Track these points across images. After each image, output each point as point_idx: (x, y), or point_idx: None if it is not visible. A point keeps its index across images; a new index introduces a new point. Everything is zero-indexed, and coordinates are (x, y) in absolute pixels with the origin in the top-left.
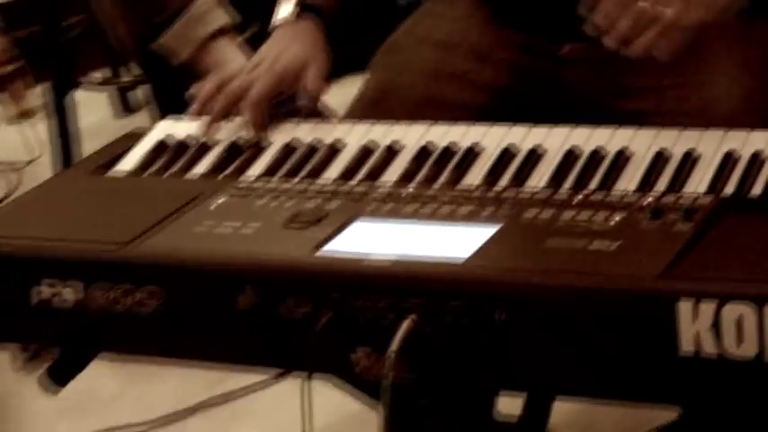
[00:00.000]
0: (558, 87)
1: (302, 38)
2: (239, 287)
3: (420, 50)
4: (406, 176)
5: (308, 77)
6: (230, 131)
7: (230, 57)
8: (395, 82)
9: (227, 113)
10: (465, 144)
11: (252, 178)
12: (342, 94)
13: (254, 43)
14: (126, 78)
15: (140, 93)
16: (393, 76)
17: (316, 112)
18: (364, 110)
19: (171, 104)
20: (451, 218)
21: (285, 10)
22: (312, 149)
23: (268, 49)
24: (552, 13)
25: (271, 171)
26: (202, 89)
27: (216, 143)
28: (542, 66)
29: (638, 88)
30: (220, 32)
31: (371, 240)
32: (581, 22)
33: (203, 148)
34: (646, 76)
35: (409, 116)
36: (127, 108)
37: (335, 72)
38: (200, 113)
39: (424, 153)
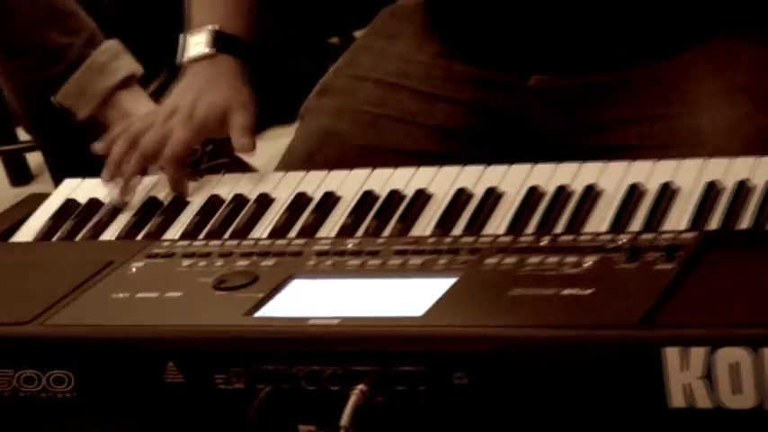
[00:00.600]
0: (524, 126)
1: (221, 79)
2: (162, 363)
3: (358, 91)
4: (347, 229)
5: (233, 130)
6: (144, 189)
7: (142, 110)
8: (331, 129)
9: (141, 172)
10: (411, 190)
11: (172, 240)
12: (266, 148)
13: (161, 96)
14: (22, 141)
15: (40, 157)
16: (328, 122)
17: (240, 167)
18: (296, 164)
19: (67, 171)
20: (402, 271)
21: (197, 43)
22: (238, 205)
23: (182, 92)
24: (517, 40)
25: (193, 231)
26: (114, 149)
27: (128, 203)
28: (504, 102)
29: (618, 121)
30: (126, 83)
31: (312, 301)
32: (550, 48)
33: (115, 210)
34: (626, 107)
35: (349, 168)
36: (24, 175)
37: (257, 125)
38: (113, 177)
39: (365, 203)
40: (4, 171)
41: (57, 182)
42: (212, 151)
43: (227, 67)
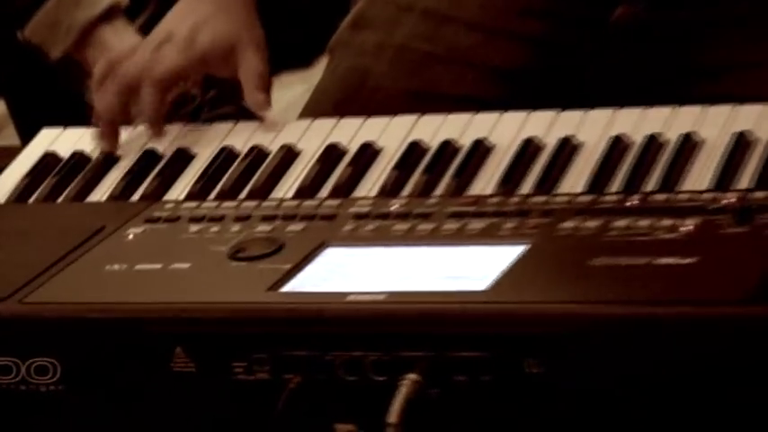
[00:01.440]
0: (601, 71)
1: (231, 7)
2: (168, 349)
3: (402, 24)
4: (390, 187)
5: (245, 76)
6: (139, 139)
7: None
8: (367, 70)
9: (124, 111)
10: (468, 140)
11: (176, 201)
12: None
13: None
14: None
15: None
16: (364, 61)
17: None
18: (324, 112)
19: (35, 122)
20: (460, 238)
21: None
22: (255, 159)
23: (181, 16)
24: None
25: (201, 190)
26: (93, 81)
27: (122, 156)
28: (578, 39)
29: (720, 67)
30: (109, 15)
31: (350, 273)
32: None
33: (106, 163)
34: (732, 49)
35: (396, 113)
36: None
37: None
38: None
39: (411, 155)
40: None
41: (23, 136)
42: (215, 98)
43: None
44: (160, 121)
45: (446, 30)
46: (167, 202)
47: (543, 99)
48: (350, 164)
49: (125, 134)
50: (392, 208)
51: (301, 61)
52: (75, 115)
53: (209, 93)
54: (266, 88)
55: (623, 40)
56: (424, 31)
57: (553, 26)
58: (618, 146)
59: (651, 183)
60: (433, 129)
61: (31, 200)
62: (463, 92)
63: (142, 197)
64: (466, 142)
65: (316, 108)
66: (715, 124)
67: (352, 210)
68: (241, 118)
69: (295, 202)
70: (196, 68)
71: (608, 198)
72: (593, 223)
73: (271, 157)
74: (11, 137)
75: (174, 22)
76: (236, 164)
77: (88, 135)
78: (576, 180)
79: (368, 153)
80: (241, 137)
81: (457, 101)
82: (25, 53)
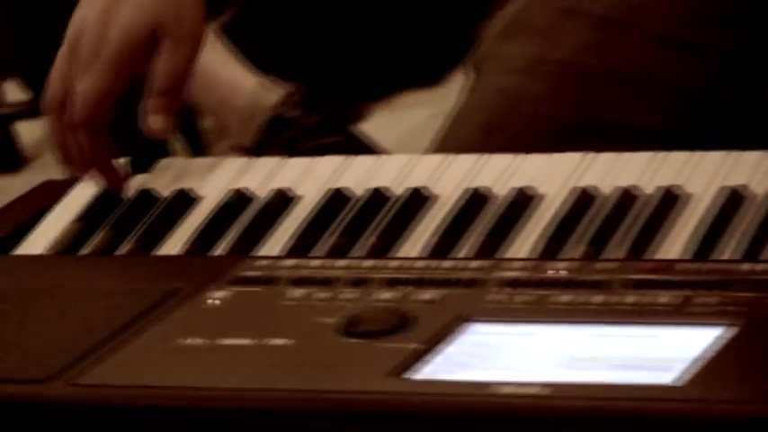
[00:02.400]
0: None
1: None
2: None
3: (566, 33)
4: (549, 246)
5: (154, 68)
6: (226, 175)
7: None
8: (520, 91)
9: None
10: (652, 187)
11: (272, 257)
12: (396, 123)
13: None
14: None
15: (27, 133)
16: (516, 80)
17: (360, 149)
18: (465, 143)
19: None
20: (641, 314)
21: None
22: (375, 205)
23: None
24: None
25: (306, 244)
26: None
27: (201, 196)
28: None
29: None
30: None
31: (497, 357)
32: None
33: (181, 206)
34: None
35: (553, 146)
36: (11, 157)
37: (380, 88)
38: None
39: (578, 205)
40: None
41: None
42: (318, 124)
43: None
44: (112, 175)
45: (622, 41)
46: (260, 258)
47: (739, 132)
48: (498, 214)
49: (203, 168)
50: (552, 273)
51: (427, 79)
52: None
53: (310, 117)
54: (171, 107)
55: None
56: (594, 42)
57: (758, 41)
58: None
59: None
60: (606, 171)
61: (84, 251)
62: (640, 121)
63: (228, 251)
64: (650, 190)
65: (453, 140)
66: None
67: (501, 274)
68: (351, 149)
69: (426, 263)
70: (116, 85)
71: None
72: None
73: (394, 202)
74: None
75: (83, 11)
76: (348, 210)
77: (159, 167)
78: None
79: (521, 201)
80: (355, 175)
81: (633, 132)
82: None
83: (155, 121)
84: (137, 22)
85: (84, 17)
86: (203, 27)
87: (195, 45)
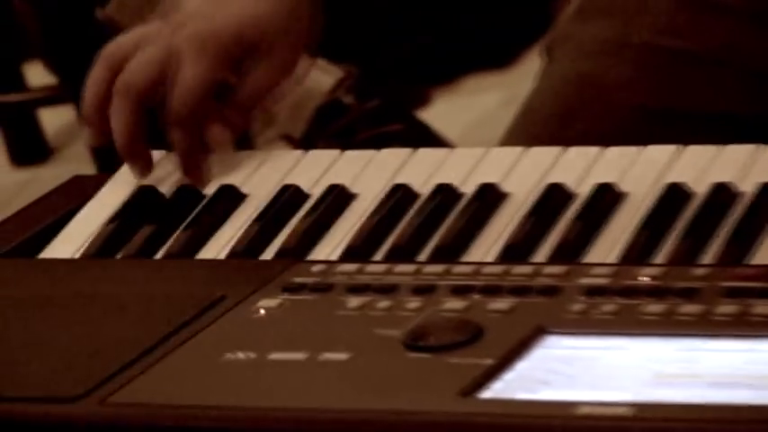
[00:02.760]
0: None
1: None
2: None
3: (647, 13)
4: (638, 251)
5: (242, 85)
6: (275, 169)
7: None
8: (599, 77)
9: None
10: (749, 185)
11: (327, 261)
12: (460, 110)
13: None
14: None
15: (52, 121)
16: (595, 64)
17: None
18: (538, 133)
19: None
20: (740, 326)
21: None
22: (443, 204)
23: None
24: None
25: (366, 246)
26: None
27: (249, 193)
28: None
29: None
30: None
31: (580, 374)
32: None
33: (227, 203)
34: None
35: (635, 136)
36: (35, 148)
37: (443, 71)
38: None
39: (668, 205)
40: (3, 139)
41: (101, 161)
42: (377, 110)
43: None
44: (197, 167)
45: (714, 21)
46: (315, 262)
47: None
48: (579, 214)
49: (250, 162)
50: (640, 280)
51: (496, 61)
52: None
53: (369, 102)
54: (243, 124)
55: None
56: (681, 22)
57: None
58: None
59: None
60: (698, 165)
61: (120, 255)
62: (732, 107)
63: (278, 254)
64: (747, 188)
65: (526, 128)
66: None
67: (583, 281)
68: (413, 139)
69: (500, 268)
70: (215, 71)
71: None
72: None
73: (464, 201)
74: (79, 158)
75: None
76: (412, 209)
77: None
78: None
79: (606, 199)
80: (419, 170)
81: (724, 120)
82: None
83: (217, 133)
84: (248, 26)
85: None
86: (307, 40)
87: (292, 64)
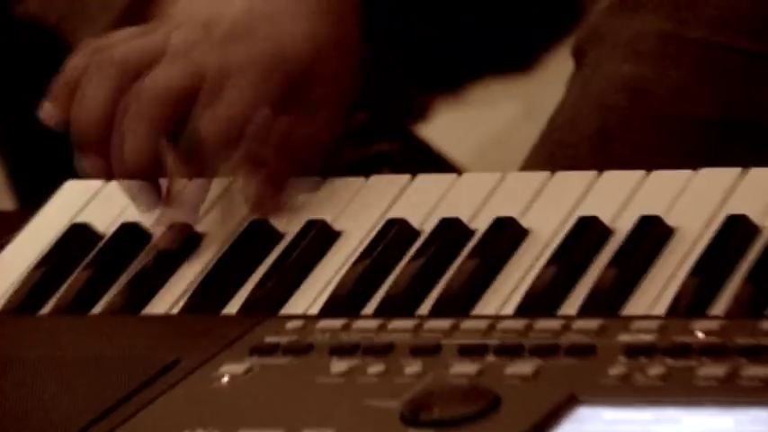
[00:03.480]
0: None
1: None
2: None
3: (703, 4)
4: (690, 300)
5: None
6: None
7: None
8: (645, 82)
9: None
10: None
11: (307, 315)
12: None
13: None
14: None
15: None
16: (639, 68)
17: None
18: (569, 153)
19: (43, 175)
20: None
21: None
22: (447, 244)
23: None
24: None
25: (353, 298)
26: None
27: (207, 232)
28: None
29: None
30: None
31: None
32: None
33: (183, 244)
34: None
35: (692, 154)
36: None
37: (448, 76)
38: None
39: (724, 242)
40: None
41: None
42: (363, 125)
43: None
44: (273, 202)
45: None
46: (290, 317)
47: None
48: (617, 255)
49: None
50: (695, 336)
51: (513, 64)
52: None
53: (355, 114)
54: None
55: None
56: (742, 14)
57: None
58: None
59: None
60: (765, 191)
61: (47, 308)
62: None
63: (245, 307)
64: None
65: (556, 149)
66: None
67: (623, 338)
68: (411, 161)
69: (520, 323)
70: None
71: None
72: None
73: (476, 239)
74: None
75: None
76: (413, 251)
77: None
78: None
79: (651, 236)
80: (419, 200)
81: None
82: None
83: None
84: (306, 45)
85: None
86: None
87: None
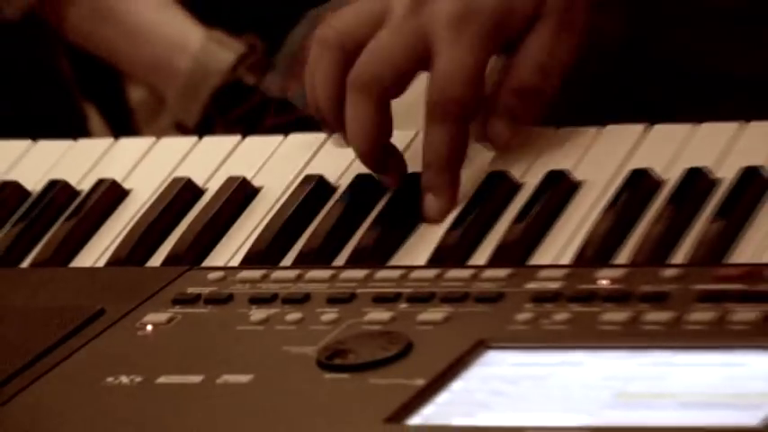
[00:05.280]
0: None
1: None
2: None
3: None
4: (595, 249)
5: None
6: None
7: None
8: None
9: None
10: (730, 171)
11: (227, 267)
12: None
13: None
14: None
15: None
16: None
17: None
18: None
19: None
20: (716, 336)
21: None
22: (362, 197)
23: None
24: None
25: (273, 249)
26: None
27: (133, 189)
28: None
29: None
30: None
31: (527, 395)
32: None
33: (106, 197)
34: None
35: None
36: None
37: None
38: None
39: (631, 192)
40: None
41: None
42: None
43: None
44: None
45: None
46: (211, 269)
47: None
48: (525, 207)
49: (133, 151)
50: (599, 284)
51: None
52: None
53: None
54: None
55: None
56: None
57: None
58: None
59: None
60: (673, 149)
61: None
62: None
63: (167, 260)
64: (727, 174)
65: None
66: None
67: (530, 286)
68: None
69: (432, 272)
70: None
71: None
72: None
73: (388, 192)
74: None
75: None
76: (330, 205)
77: (79, 151)
78: None
79: (559, 189)
80: (336, 158)
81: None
82: None
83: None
84: None
85: None
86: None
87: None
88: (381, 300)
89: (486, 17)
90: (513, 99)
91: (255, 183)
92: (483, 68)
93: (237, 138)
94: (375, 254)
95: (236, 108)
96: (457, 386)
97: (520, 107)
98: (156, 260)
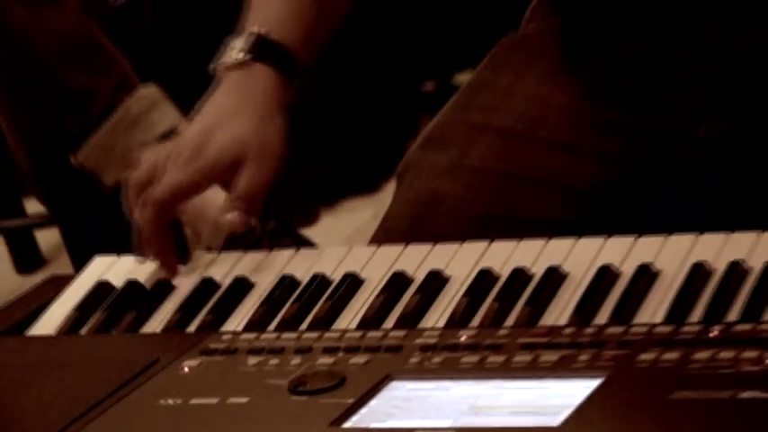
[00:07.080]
0: (688, 185)
1: (249, 103)
2: None
3: (476, 143)
4: (459, 317)
5: (233, 189)
6: (199, 267)
7: None
8: (439, 193)
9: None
10: (540, 268)
11: (234, 332)
12: (341, 226)
13: None
14: (31, 216)
15: (51, 237)
16: (436, 183)
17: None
18: (394, 239)
19: (90, 251)
20: (532, 370)
21: (233, 47)
22: (317, 288)
23: (198, 121)
24: (689, 73)
25: (260, 321)
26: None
27: (178, 285)
28: (665, 155)
29: None
30: (167, 138)
31: (416, 408)
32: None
33: (162, 293)
34: None
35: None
36: (33, 259)
37: (329, 194)
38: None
39: (481, 284)
40: (8, 254)
41: (77, 266)
42: (275, 229)
43: (261, 84)
44: (161, 248)
45: (524, 149)
46: (225, 333)
47: (622, 221)
48: (417, 292)
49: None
50: (461, 339)
51: (368, 185)
52: (130, 243)
53: (269, 224)
54: (249, 210)
55: (706, 155)
56: (499, 151)
57: (638, 142)
58: (699, 273)
59: (734, 312)
60: (505, 255)
61: (83, 331)
62: (541, 214)
63: (198, 328)
64: (539, 270)
65: (386, 235)
66: None
67: (419, 341)
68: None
69: (358, 333)
70: (198, 183)
71: (688, 329)
72: (672, 355)
73: (333, 286)
74: (65, 266)
75: (192, 125)
76: (297, 293)
77: (144, 263)
78: (654, 309)
79: (436, 281)
80: (302, 265)
81: (534, 224)
82: (79, 179)
83: (232, 217)
84: (230, 146)
85: (186, 135)
86: (283, 151)
87: (274, 167)
88: (328, 350)
89: (206, 161)
90: (234, 203)
91: (252, 280)
92: (191, 189)
93: (240, 253)
94: (324, 322)
95: (244, 240)
96: (373, 403)
97: (237, 206)
98: (192, 327)
